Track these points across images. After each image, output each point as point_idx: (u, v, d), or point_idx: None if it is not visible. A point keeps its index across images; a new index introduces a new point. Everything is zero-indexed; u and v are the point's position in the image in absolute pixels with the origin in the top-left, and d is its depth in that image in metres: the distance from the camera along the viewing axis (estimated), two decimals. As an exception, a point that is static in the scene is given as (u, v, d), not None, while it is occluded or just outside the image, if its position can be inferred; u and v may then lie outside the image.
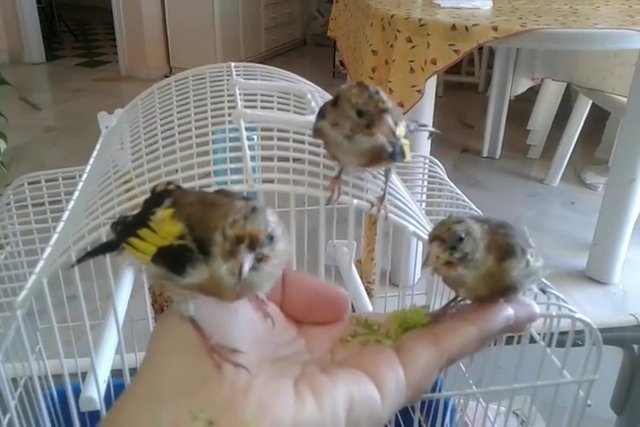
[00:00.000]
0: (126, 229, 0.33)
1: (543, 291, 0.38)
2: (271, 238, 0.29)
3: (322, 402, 0.28)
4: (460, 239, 0.33)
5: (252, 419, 0.27)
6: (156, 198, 0.33)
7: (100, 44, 5.19)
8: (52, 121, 3.53)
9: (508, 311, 0.34)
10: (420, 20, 1.62)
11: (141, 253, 0.31)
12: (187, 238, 0.29)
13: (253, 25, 4.52)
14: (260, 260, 0.29)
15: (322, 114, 0.43)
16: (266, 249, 0.29)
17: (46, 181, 0.66)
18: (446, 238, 0.33)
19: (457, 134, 3.29)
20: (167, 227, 0.30)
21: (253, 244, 0.28)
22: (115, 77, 4.28)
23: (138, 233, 0.31)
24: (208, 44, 4.18)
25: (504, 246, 0.34)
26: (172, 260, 0.30)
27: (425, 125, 0.55)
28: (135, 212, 0.35)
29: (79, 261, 0.39)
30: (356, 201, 0.42)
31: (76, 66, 4.60)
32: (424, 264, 0.34)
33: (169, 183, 0.35)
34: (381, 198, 0.45)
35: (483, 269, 0.34)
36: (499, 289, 0.34)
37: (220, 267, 0.29)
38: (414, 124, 0.51)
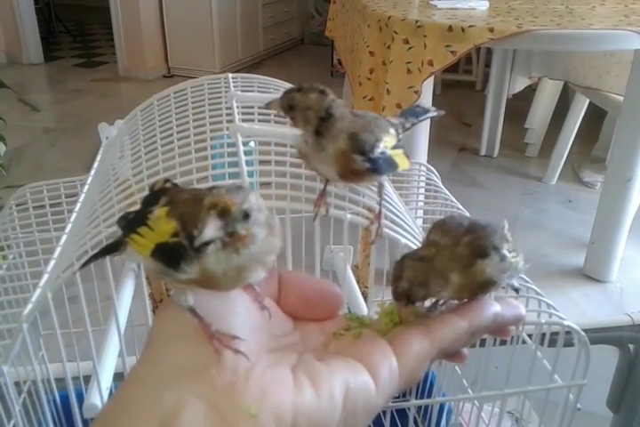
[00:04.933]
0: (128, 227, 0.34)
1: (516, 290, 0.38)
2: (246, 216, 0.30)
3: (320, 390, 0.29)
4: (409, 296, 0.35)
5: (253, 404, 0.28)
6: (154, 196, 0.34)
7: (98, 45, 5.19)
8: (51, 122, 3.53)
9: (496, 307, 0.36)
10: (416, 21, 1.63)
11: (142, 248, 0.32)
12: (180, 235, 0.30)
13: (251, 24, 4.52)
14: (231, 235, 0.30)
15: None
16: (239, 226, 0.30)
17: (48, 191, 0.67)
18: (401, 299, 0.35)
19: (454, 133, 3.30)
20: (162, 225, 0.31)
21: (223, 212, 0.29)
22: (113, 78, 4.28)
23: (138, 231, 0.32)
24: (206, 44, 4.19)
25: (472, 252, 0.35)
26: (168, 256, 0.31)
27: (426, 111, 0.51)
28: (135, 208, 0.36)
29: (84, 265, 0.40)
30: (349, 215, 0.43)
31: (75, 66, 4.60)
32: (402, 322, 0.36)
33: (166, 181, 0.36)
34: (378, 215, 0.45)
35: (452, 287, 0.35)
36: (477, 288, 0.36)
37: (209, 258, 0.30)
38: (411, 118, 0.49)
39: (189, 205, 0.31)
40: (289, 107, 0.42)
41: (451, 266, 0.35)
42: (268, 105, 0.43)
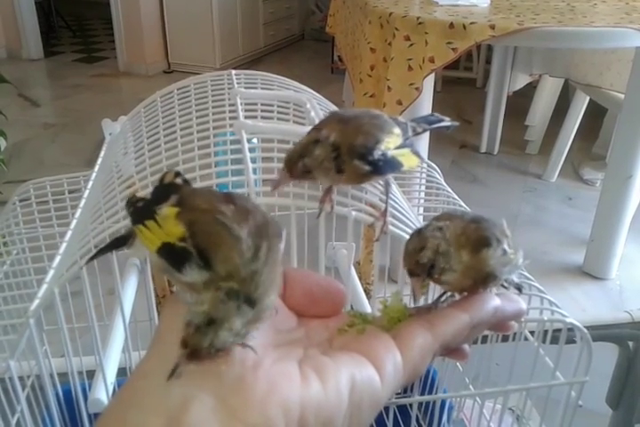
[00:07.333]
0: (135, 215, 0.34)
1: (519, 289, 0.39)
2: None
3: (326, 383, 0.30)
4: (432, 266, 0.36)
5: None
6: (163, 190, 0.34)
7: (99, 40, 5.18)
8: (51, 117, 3.53)
9: (496, 301, 0.36)
10: (417, 18, 1.62)
11: (148, 242, 0.32)
12: (187, 242, 0.30)
13: (252, 20, 4.52)
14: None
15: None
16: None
17: (51, 186, 0.67)
18: (420, 272, 0.36)
19: (455, 130, 3.25)
20: (171, 226, 0.31)
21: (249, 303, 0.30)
22: (113, 73, 4.28)
23: (145, 223, 0.32)
24: (206, 40, 4.18)
25: (477, 239, 0.36)
26: (174, 258, 0.31)
27: (440, 120, 0.50)
28: (145, 195, 0.36)
29: (92, 258, 0.40)
30: (354, 213, 0.44)
31: (74, 62, 4.59)
32: (416, 299, 0.37)
33: (177, 174, 0.35)
34: (384, 213, 0.45)
35: (460, 267, 0.36)
36: (480, 278, 0.36)
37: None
38: (423, 124, 0.48)
39: (203, 220, 0.31)
40: (303, 173, 0.42)
41: (463, 242, 0.36)
42: (277, 183, 0.42)
